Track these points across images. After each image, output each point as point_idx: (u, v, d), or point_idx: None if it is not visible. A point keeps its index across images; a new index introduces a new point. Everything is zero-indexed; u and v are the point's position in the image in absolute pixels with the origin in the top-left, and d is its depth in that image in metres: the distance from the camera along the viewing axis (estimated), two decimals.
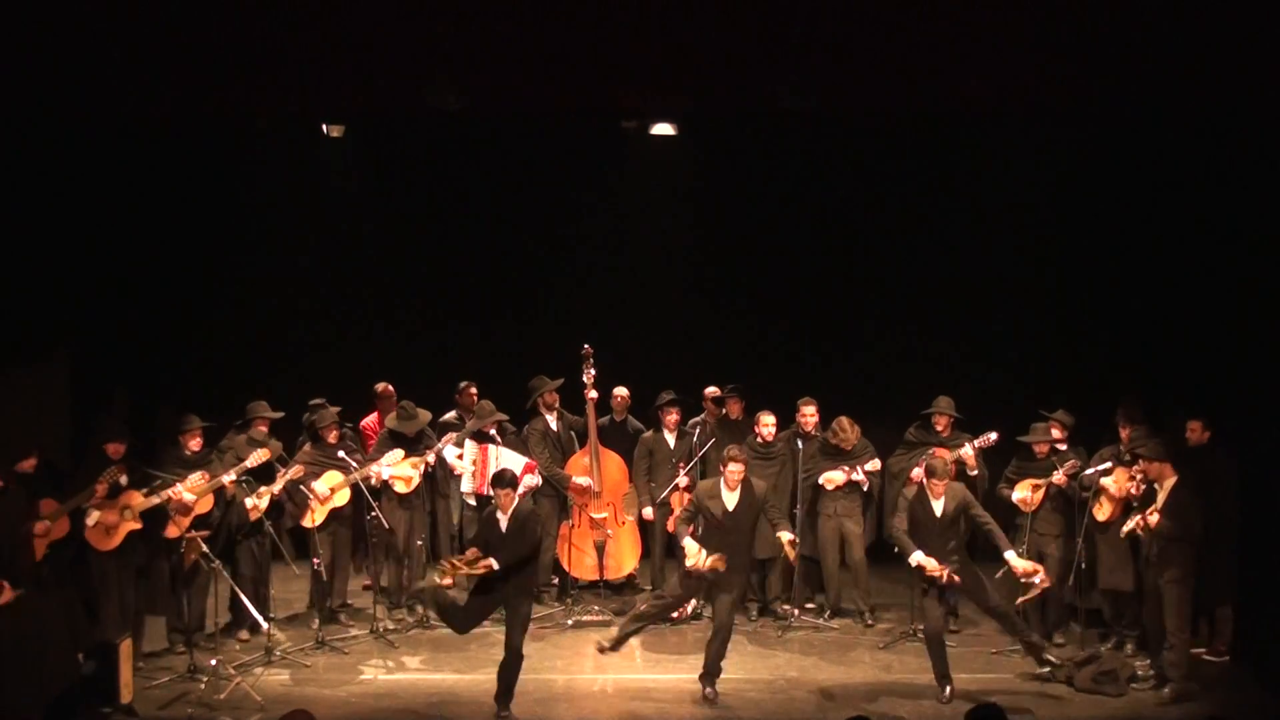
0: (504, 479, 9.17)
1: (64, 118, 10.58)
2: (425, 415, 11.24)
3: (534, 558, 9.34)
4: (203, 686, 9.40)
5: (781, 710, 9.28)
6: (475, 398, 11.66)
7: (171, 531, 10.02)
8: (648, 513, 11.39)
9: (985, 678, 9.53)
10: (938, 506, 9.38)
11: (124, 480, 9.88)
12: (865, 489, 10.91)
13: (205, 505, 10.16)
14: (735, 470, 9.52)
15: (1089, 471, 10.13)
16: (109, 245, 11.81)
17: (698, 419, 11.57)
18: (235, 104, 10.52)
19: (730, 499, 9.53)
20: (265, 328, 12.90)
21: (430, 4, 9.84)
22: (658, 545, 11.60)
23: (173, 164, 12.03)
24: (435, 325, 13.18)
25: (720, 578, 9.44)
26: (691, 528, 9.59)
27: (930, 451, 10.70)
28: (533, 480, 11.12)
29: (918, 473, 10.60)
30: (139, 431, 10.92)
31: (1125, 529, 9.54)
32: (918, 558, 9.29)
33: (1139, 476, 9.69)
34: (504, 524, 9.07)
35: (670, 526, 11.25)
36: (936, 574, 9.22)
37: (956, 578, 9.22)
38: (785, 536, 9.56)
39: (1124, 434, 10.16)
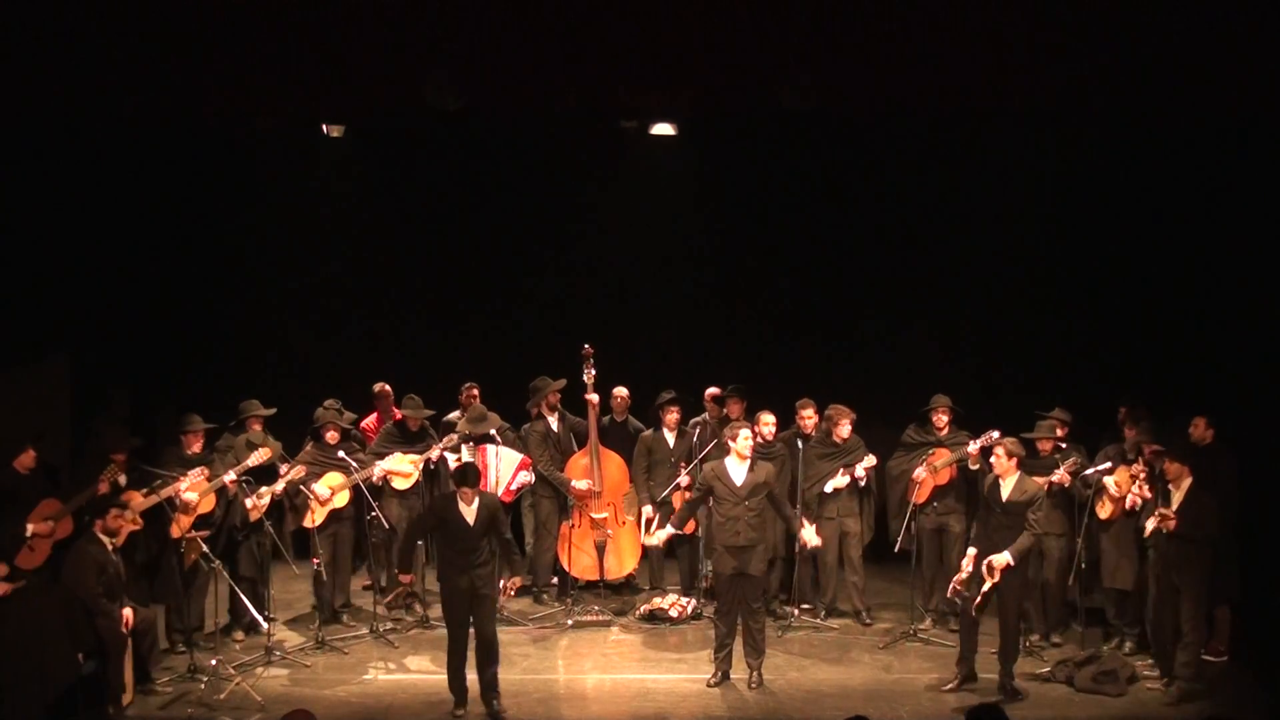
0: (468, 478, 9.09)
1: (64, 118, 10.57)
2: (428, 411, 11.28)
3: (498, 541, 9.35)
4: (203, 686, 9.41)
5: (781, 710, 9.28)
6: (476, 399, 11.66)
7: (174, 531, 10.03)
8: (647, 511, 11.39)
9: (985, 678, 9.51)
10: (1005, 490, 9.36)
11: (123, 480, 9.90)
12: (863, 485, 10.92)
13: (207, 505, 10.18)
14: (747, 437, 9.56)
15: (1089, 471, 10.13)
16: (109, 245, 11.82)
17: (698, 418, 11.57)
18: (235, 104, 10.51)
19: (739, 473, 9.53)
20: (265, 328, 12.92)
21: (430, 4, 9.84)
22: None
23: (173, 164, 12.03)
24: (435, 325, 13.18)
25: (741, 559, 9.45)
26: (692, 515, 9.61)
27: (930, 451, 10.73)
28: (526, 477, 11.12)
29: (920, 473, 10.64)
30: (139, 432, 10.94)
31: (1149, 529, 9.48)
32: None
33: (1141, 475, 9.70)
34: (471, 516, 9.01)
35: (674, 524, 11.26)
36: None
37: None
38: (809, 535, 9.75)
39: (1129, 433, 10.15)
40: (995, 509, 9.36)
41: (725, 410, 11.52)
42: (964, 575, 9.44)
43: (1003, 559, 9.20)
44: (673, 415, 11.45)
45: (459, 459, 11.18)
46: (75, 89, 10.05)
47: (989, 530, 9.41)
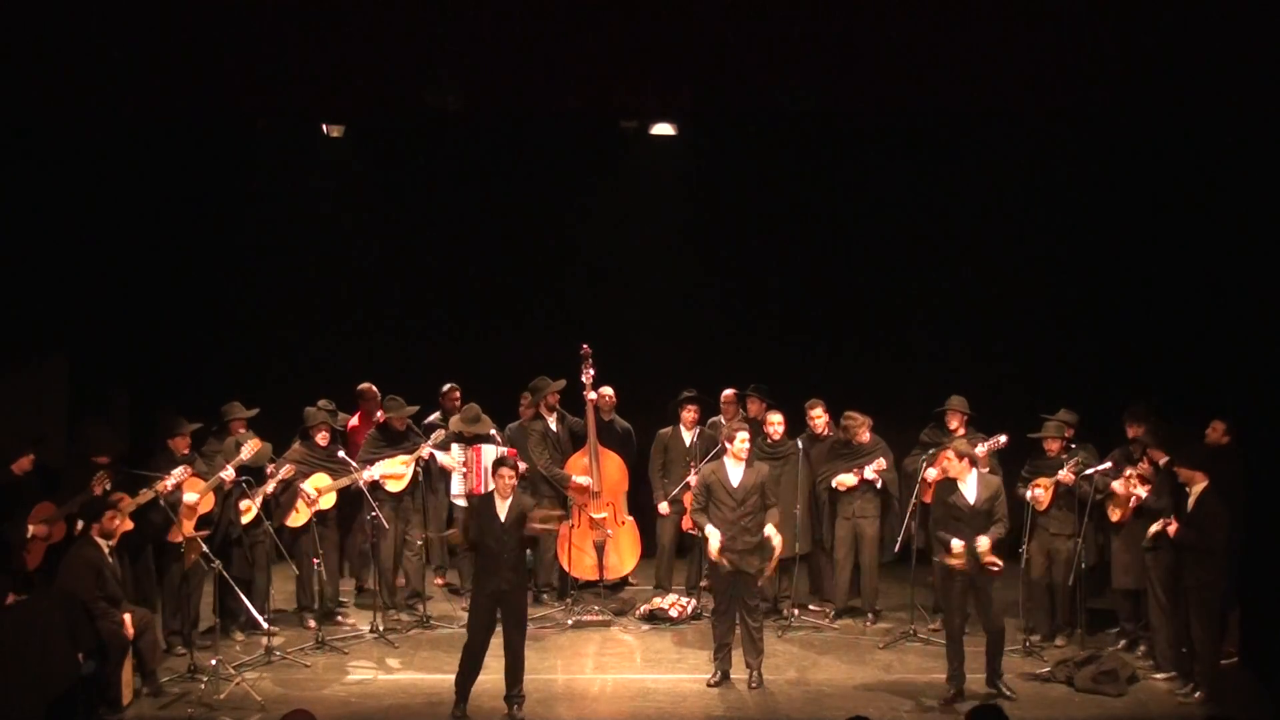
0: (506, 460, 9.26)
1: (64, 118, 10.57)
2: (411, 409, 11.29)
3: (530, 549, 9.37)
4: (203, 686, 9.40)
5: (781, 710, 9.28)
6: (458, 400, 11.68)
7: (174, 536, 10.02)
8: (663, 508, 11.40)
9: (978, 677, 9.50)
10: (969, 493, 9.30)
11: (108, 485, 9.87)
12: (879, 486, 10.89)
13: (207, 504, 10.17)
14: (744, 440, 9.55)
15: (1089, 471, 10.12)
16: (108, 246, 11.80)
17: (715, 419, 11.57)
18: (235, 104, 10.50)
19: (736, 473, 9.55)
20: (265, 328, 12.91)
21: (430, 4, 9.84)
22: (668, 542, 11.58)
23: (173, 164, 12.02)
24: (435, 325, 13.18)
25: (739, 560, 9.46)
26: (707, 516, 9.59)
27: (933, 453, 10.70)
28: (521, 466, 11.15)
29: (932, 474, 10.61)
30: (137, 433, 10.92)
31: (1152, 530, 9.47)
32: (956, 544, 9.24)
33: (1145, 472, 9.67)
34: (503, 513, 9.08)
35: (685, 525, 11.25)
36: (958, 562, 9.19)
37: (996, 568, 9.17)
38: (773, 535, 9.52)
39: (1130, 433, 10.14)
40: (963, 511, 9.25)
41: (744, 409, 11.51)
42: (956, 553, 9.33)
43: (986, 542, 9.12)
44: (690, 413, 11.45)
45: (453, 456, 11.23)
46: (74, 89, 10.05)
47: (957, 534, 9.27)
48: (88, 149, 11.25)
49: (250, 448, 10.24)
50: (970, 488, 9.32)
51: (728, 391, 11.63)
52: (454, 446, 11.23)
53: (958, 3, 9.76)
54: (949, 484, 9.40)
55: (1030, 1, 9.75)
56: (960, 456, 9.33)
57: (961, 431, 10.81)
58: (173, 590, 10.24)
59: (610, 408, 11.79)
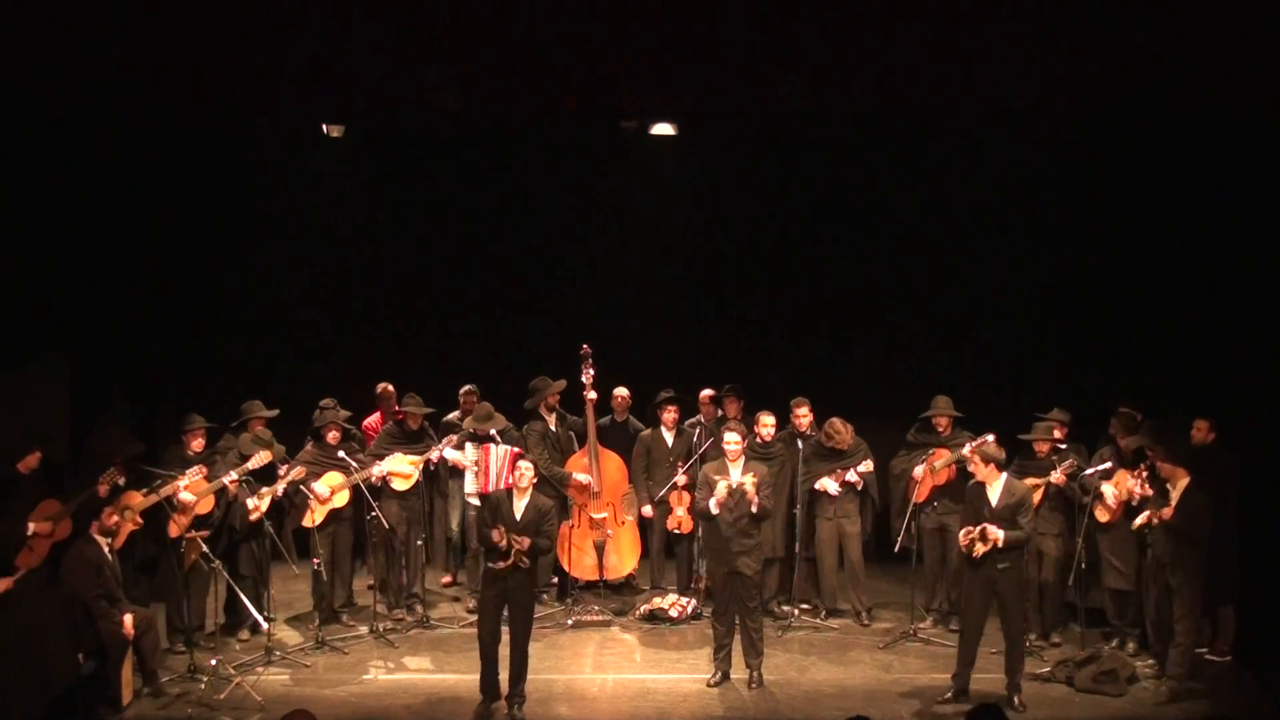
0: (526, 454, 9.34)
1: (65, 118, 10.57)
2: (427, 409, 11.31)
3: (545, 551, 9.38)
4: (203, 686, 9.41)
5: (781, 710, 9.29)
6: (476, 401, 11.70)
7: (172, 531, 10.03)
8: (647, 510, 11.41)
9: (985, 678, 9.51)
10: (992, 497, 9.26)
11: (122, 481, 9.89)
12: (860, 489, 10.90)
13: (206, 505, 10.18)
14: (733, 440, 9.60)
15: (1088, 472, 10.13)
16: (109, 245, 11.81)
17: (694, 419, 11.58)
18: (235, 104, 10.51)
19: (736, 474, 9.57)
20: (266, 328, 12.92)
21: (430, 4, 9.84)
22: (657, 544, 11.61)
23: (173, 164, 12.02)
24: (435, 325, 13.19)
25: (735, 560, 9.45)
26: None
27: (931, 451, 10.73)
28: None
29: (919, 472, 10.63)
30: (139, 432, 10.93)
31: (1137, 522, 9.49)
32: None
33: (1144, 477, 9.69)
34: (520, 510, 9.08)
35: (670, 525, 11.28)
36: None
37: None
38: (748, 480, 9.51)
39: (1122, 442, 10.14)
40: (983, 516, 9.25)
41: (722, 410, 11.54)
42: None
43: (996, 532, 9.10)
44: (670, 414, 11.47)
45: (465, 455, 11.25)
46: (75, 89, 10.05)
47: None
48: (89, 148, 11.25)
49: (260, 458, 10.25)
50: (995, 492, 9.29)
51: (705, 391, 11.65)
52: (468, 445, 11.25)
53: (957, 2, 9.76)
54: (978, 487, 9.39)
55: (1031, 1, 9.74)
56: (986, 461, 9.31)
57: (948, 432, 10.83)
58: (175, 588, 10.24)
59: (624, 408, 11.84)
